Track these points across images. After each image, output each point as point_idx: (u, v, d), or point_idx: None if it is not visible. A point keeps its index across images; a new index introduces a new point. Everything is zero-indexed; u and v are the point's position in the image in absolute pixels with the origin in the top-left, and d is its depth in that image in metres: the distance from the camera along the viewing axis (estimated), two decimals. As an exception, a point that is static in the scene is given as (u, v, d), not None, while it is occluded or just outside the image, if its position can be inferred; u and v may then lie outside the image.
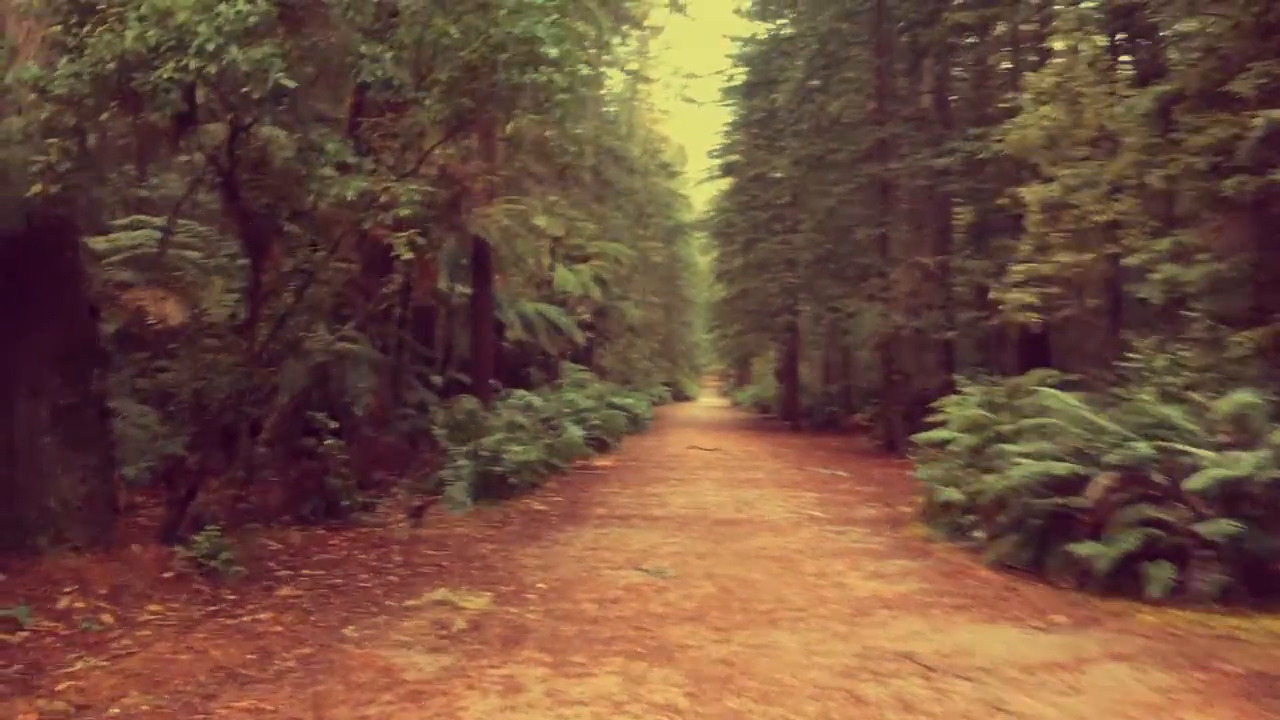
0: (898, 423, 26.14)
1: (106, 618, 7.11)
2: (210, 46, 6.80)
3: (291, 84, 7.33)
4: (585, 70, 9.49)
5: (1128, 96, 13.85)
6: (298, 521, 12.42)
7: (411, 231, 8.44)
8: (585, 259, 38.94)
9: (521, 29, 8.57)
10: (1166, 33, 15.51)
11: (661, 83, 55.17)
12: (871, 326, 25.13)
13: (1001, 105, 26.65)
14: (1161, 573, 8.69)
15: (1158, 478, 9.36)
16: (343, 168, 8.31)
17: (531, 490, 15.77)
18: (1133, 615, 8.20)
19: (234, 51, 6.86)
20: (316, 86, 8.91)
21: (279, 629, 7.13)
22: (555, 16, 8.84)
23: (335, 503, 12.88)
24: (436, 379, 23.55)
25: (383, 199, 8.24)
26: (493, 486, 14.81)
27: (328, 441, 12.82)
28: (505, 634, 7.15)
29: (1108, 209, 13.85)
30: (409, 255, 8.37)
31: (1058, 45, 15.09)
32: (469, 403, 17.77)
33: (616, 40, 39.70)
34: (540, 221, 31.49)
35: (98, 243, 12.17)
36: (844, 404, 39.52)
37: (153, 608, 7.48)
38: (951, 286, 24.00)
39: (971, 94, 28.35)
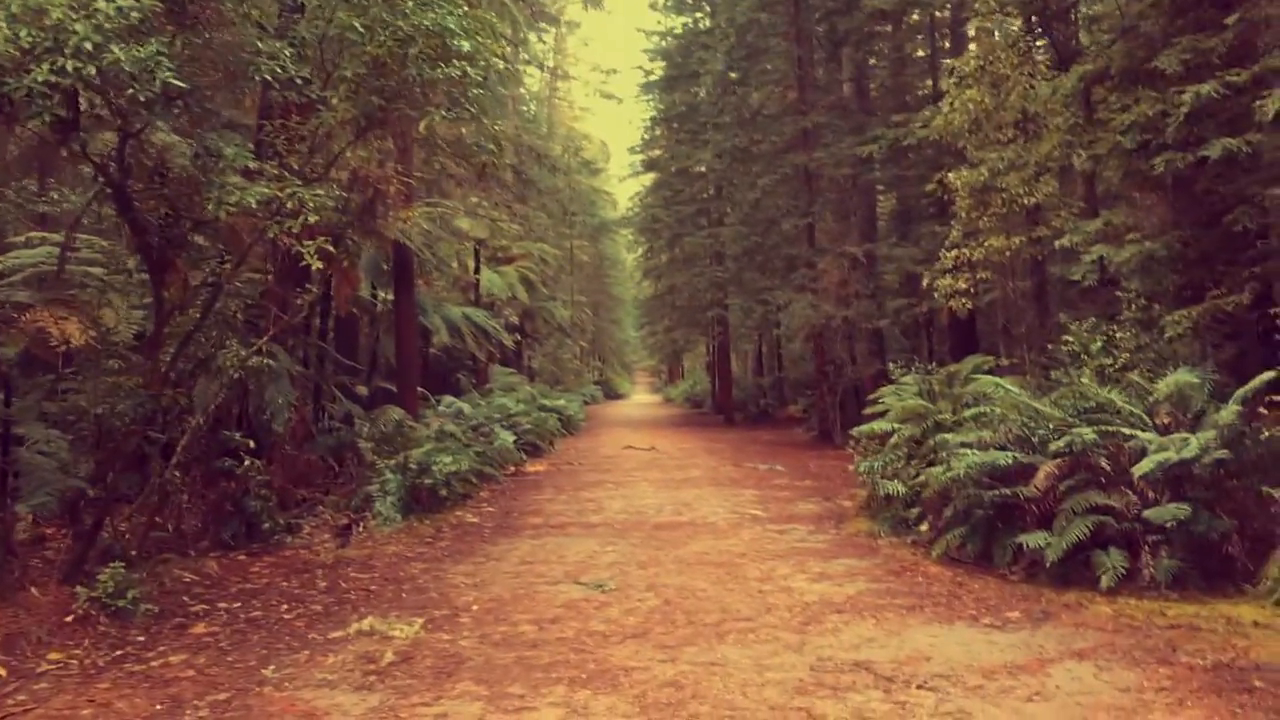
0: (832, 413, 26.08)
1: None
2: (88, 46, 6.24)
3: (182, 84, 6.80)
4: (500, 65, 9.03)
5: (1051, 78, 13.74)
6: (218, 547, 11.81)
7: (321, 239, 7.92)
8: (510, 260, 38.39)
9: (431, 21, 8.11)
10: (1086, 13, 15.48)
11: (580, 80, 54.72)
12: (802, 317, 25.00)
13: (921, 92, 26.93)
14: (1112, 561, 8.52)
15: (1103, 463, 9.19)
16: (245, 174, 7.79)
17: (463, 501, 15.26)
18: (1087, 606, 7.99)
19: (115, 51, 6.31)
20: (215, 88, 8.31)
21: (191, 673, 6.59)
22: (466, 9, 8.39)
23: (256, 525, 12.29)
24: (362, 390, 22.90)
25: (289, 205, 7.71)
26: (423, 500, 14.28)
27: (245, 461, 12.23)
28: (438, 665, 6.68)
29: (1035, 191, 13.74)
30: (319, 265, 7.84)
31: (975, 28, 14.88)
32: (395, 413, 17.18)
33: (533, 37, 39.25)
34: (463, 224, 30.95)
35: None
36: (777, 396, 39.51)
37: (53, 656, 6.89)
38: (880, 275, 23.92)
39: (890, 82, 28.43)
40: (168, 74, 6.59)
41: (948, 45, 25.95)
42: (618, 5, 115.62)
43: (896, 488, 11.54)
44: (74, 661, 6.82)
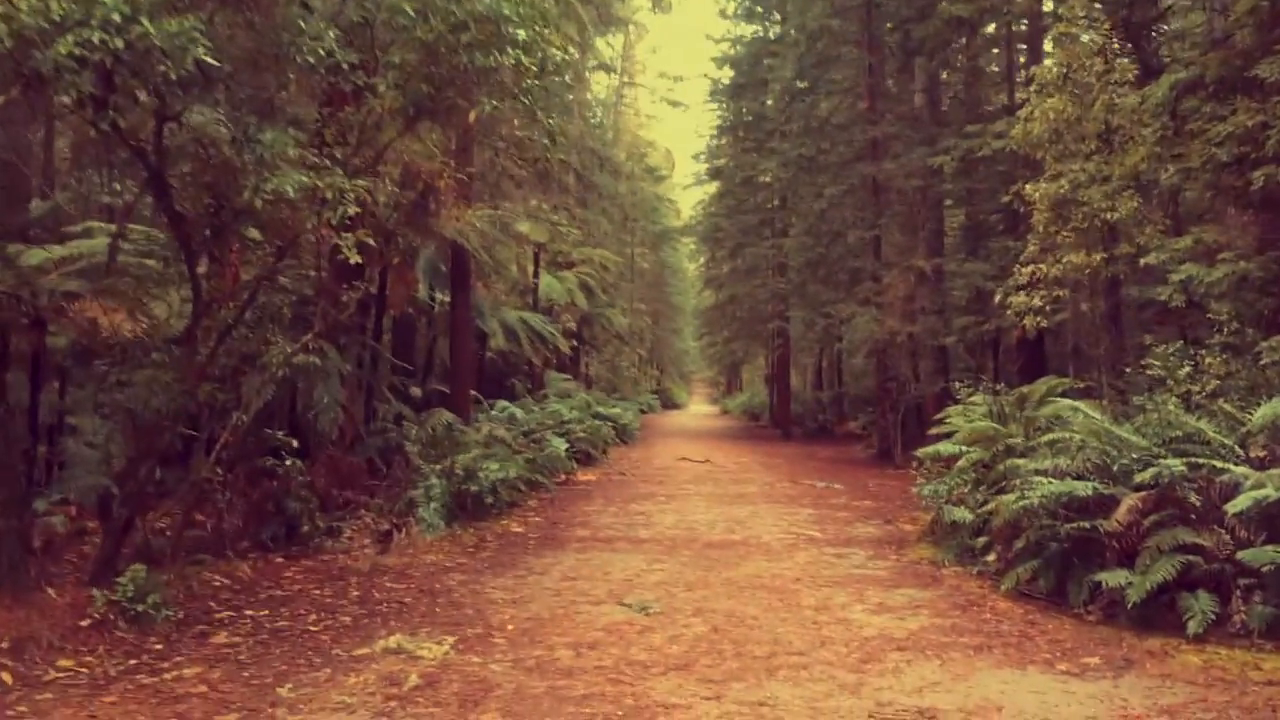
0: (893, 431, 25.33)
1: (4, 677, 6.17)
2: (117, 17, 5.88)
3: (217, 63, 6.42)
4: (558, 55, 8.58)
5: (1139, 86, 13.01)
6: (257, 549, 11.51)
7: (362, 232, 7.52)
8: (570, 266, 38.07)
9: (485, 6, 7.69)
10: (1171, 28, 14.70)
11: (647, 87, 54.39)
12: (865, 332, 24.31)
13: (994, 106, 26.14)
14: (1201, 605, 7.82)
15: (1192, 498, 8.49)
16: (289, 163, 7.41)
17: (510, 510, 14.84)
18: (1173, 655, 7.31)
19: (145, 24, 5.94)
20: (255, 69, 7.95)
21: (203, 689, 6.18)
22: (523, -4, 7.96)
23: (295, 528, 11.99)
24: (416, 391, 22.63)
25: (328, 195, 7.31)
26: (468, 507, 13.89)
27: (288, 461, 11.92)
28: (464, 692, 6.20)
29: (1117, 207, 12.99)
30: (358, 259, 7.44)
31: (1057, 35, 14.16)
32: (444, 416, 16.84)
33: (601, 42, 38.96)
34: (522, 227, 30.65)
35: (39, 254, 11.25)
36: (836, 412, 38.74)
37: (62, 663, 6.53)
38: (948, 291, 23.14)
39: (964, 94, 27.63)
40: (201, 51, 6.22)
41: (1024, 60, 25.12)
42: (686, 12, 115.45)
43: (963, 514, 10.90)
44: (84, 670, 6.46)
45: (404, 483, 14.77)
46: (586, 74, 35.12)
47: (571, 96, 35.98)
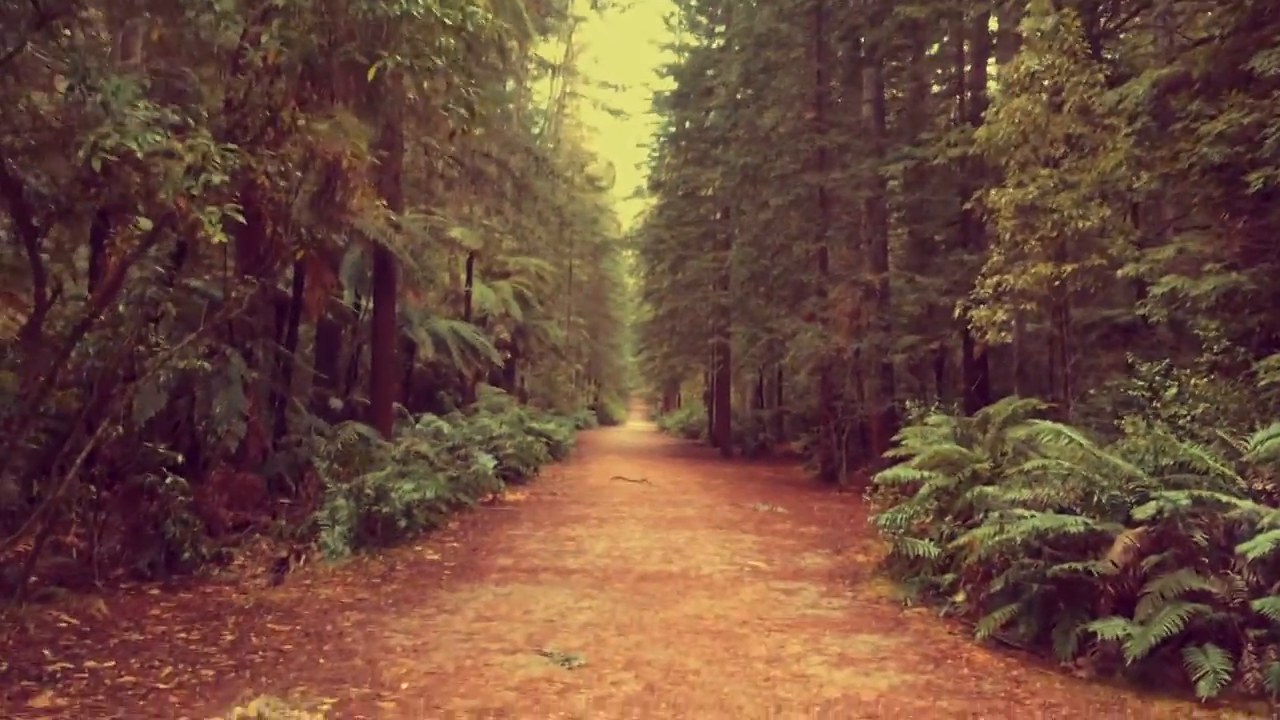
0: (837, 452, 24.32)
1: None
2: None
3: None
4: (479, 12, 7.32)
5: (1116, 84, 12.09)
6: (132, 577, 10.10)
7: (229, 205, 6.19)
8: (505, 275, 36.74)
9: (389, -56, 6.44)
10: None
11: (589, 98, 53.23)
12: (810, 348, 23.26)
13: (940, 121, 25.42)
14: (1213, 663, 6.75)
15: (1198, 538, 7.43)
16: (138, 119, 6.06)
17: (427, 534, 13.48)
18: (1186, 724, 6.22)
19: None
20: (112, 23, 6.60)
21: (-7, 777, 4.82)
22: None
23: (176, 555, 10.54)
24: (336, 403, 21.17)
25: (188, 160, 5.97)
26: (378, 531, 12.50)
27: (168, 479, 10.48)
28: (331, 782, 4.90)
29: (1089, 214, 12.04)
30: (221, 237, 6.10)
31: (1028, 31, 13.21)
32: (358, 429, 15.41)
33: (544, 49, 37.81)
34: (455, 233, 29.31)
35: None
36: (776, 431, 37.77)
37: None
38: (897, 306, 22.18)
39: (910, 108, 26.90)
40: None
41: (970, 76, 24.38)
42: (630, 22, 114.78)
43: (928, 548, 9.78)
44: None
45: (311, 504, 13.37)
46: (527, 63, 33.95)
47: (511, 83, 34.80)
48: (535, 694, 6.51)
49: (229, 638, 7.83)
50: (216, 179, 5.99)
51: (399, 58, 6.71)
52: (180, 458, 10.91)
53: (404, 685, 6.62)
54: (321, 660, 7.21)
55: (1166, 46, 14.71)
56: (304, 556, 11.53)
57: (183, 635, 7.85)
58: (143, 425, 11.91)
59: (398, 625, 8.42)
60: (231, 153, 6.26)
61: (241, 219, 6.42)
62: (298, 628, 8.22)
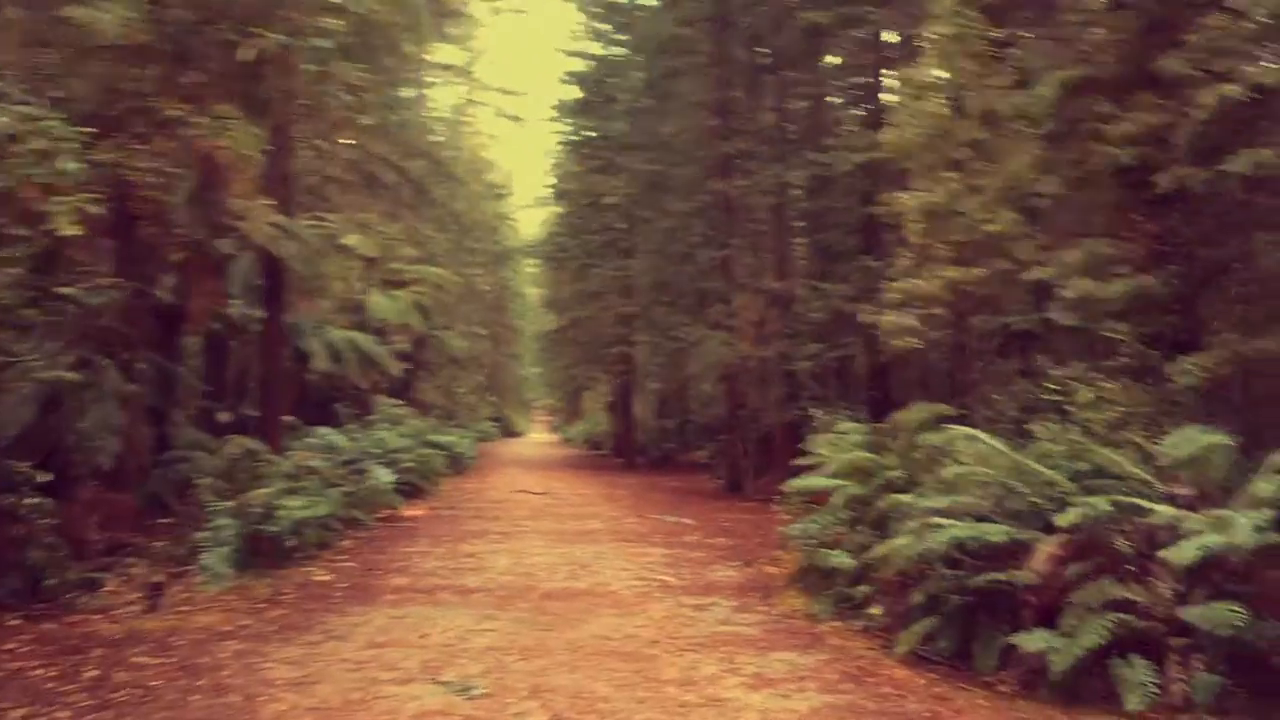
0: (743, 461, 24.10)
1: None
2: None
3: None
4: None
5: (1021, 88, 12.00)
6: (-9, 607, 9.26)
7: (83, 196, 5.56)
8: (404, 284, 35.80)
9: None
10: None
11: (490, 106, 52.37)
12: (715, 357, 23.01)
13: (841, 131, 25.48)
14: (1139, 675, 6.53)
15: (1121, 545, 7.23)
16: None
17: (318, 553, 12.76)
18: (1117, 742, 5.96)
19: None
20: None
21: None
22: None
23: (40, 581, 9.73)
24: (224, 417, 20.19)
25: (33, 145, 5.33)
26: (264, 551, 11.77)
27: (28, 500, 9.69)
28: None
29: (998, 218, 11.93)
30: (75, 230, 5.47)
31: (934, 34, 13.11)
32: (243, 443, 14.57)
33: (444, 53, 36.99)
34: (351, 240, 28.36)
35: None
36: (680, 440, 37.49)
37: None
38: (803, 315, 22.02)
39: (811, 117, 26.92)
40: None
41: (868, 80, 24.44)
42: (532, 30, 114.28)
43: (844, 560, 9.47)
44: None
45: (193, 524, 12.56)
46: (425, 69, 33.21)
47: (410, 90, 33.98)
48: (430, 730, 5.98)
49: (91, 673, 7.12)
50: (71, 165, 5.36)
51: (278, 36, 6.15)
52: (46, 476, 10.15)
53: (284, 725, 6.03)
54: (192, 699, 6.55)
55: (1068, 53, 14.78)
56: (183, 580, 10.77)
57: (39, 672, 7.12)
58: (9, 441, 11.11)
59: (281, 655, 7.78)
60: (89, 138, 5.63)
61: (98, 211, 5.78)
62: (170, 660, 7.53)
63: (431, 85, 45.63)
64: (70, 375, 10.50)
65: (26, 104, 5.62)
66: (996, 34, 12.58)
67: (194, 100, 8.53)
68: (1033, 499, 7.95)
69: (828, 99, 27.70)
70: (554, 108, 40.15)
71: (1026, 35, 13.45)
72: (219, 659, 7.61)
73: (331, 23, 6.51)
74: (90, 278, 14.12)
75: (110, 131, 7.29)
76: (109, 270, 13.12)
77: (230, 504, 12.08)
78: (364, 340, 27.14)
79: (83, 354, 12.35)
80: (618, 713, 6.35)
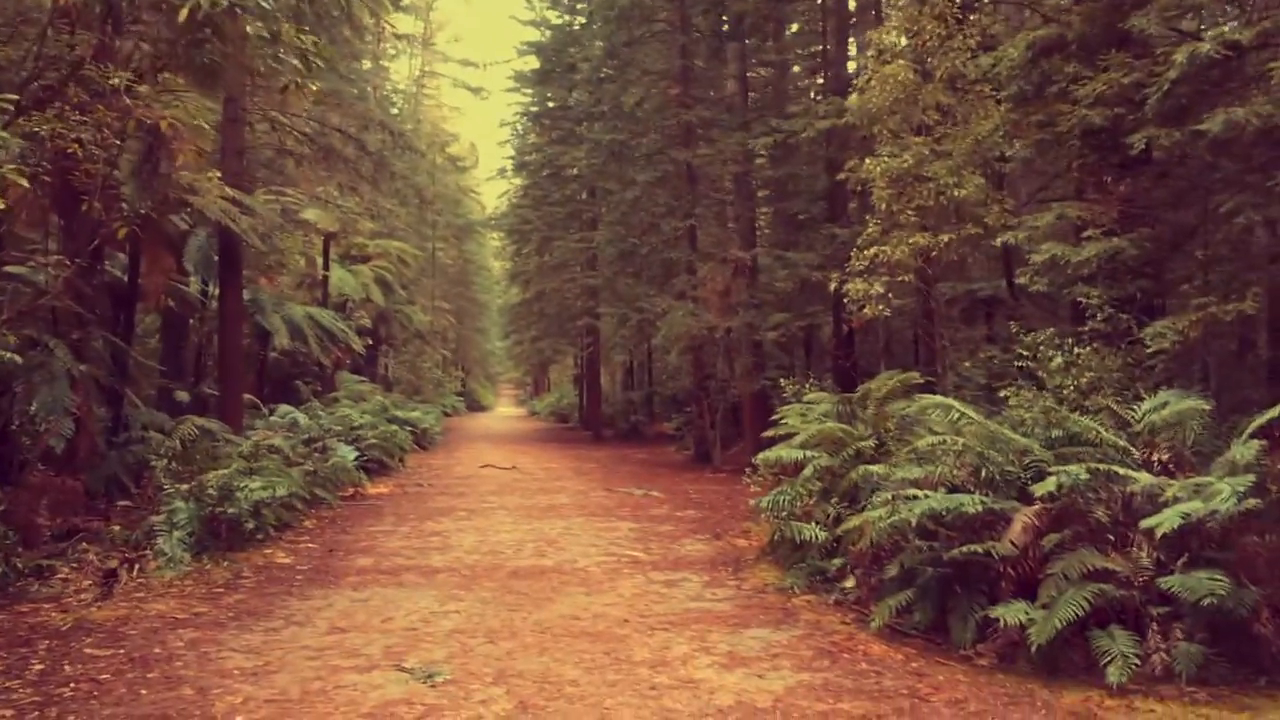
0: (710, 432, 23.96)
1: None
2: None
3: None
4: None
5: (987, 50, 11.81)
6: (-63, 597, 8.93)
7: (10, 168, 5.22)
8: (366, 259, 35.30)
9: None
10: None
11: (450, 78, 51.70)
12: (681, 327, 22.79)
13: (804, 99, 25.23)
14: (1120, 646, 6.40)
15: (1099, 514, 7.09)
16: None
17: (279, 535, 12.46)
18: (1099, 716, 5.82)
19: None
20: None
21: None
22: None
23: (-13, 570, 9.40)
24: (183, 396, 19.78)
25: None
26: (223, 534, 11.46)
27: (-26, 485, 9.34)
28: None
29: (965, 183, 11.74)
30: (-1, 203, 5.13)
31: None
32: (199, 423, 14.18)
33: (402, 20, 36.36)
34: (309, 214, 27.86)
35: None
36: (647, 412, 37.36)
37: None
38: (769, 284, 21.83)
39: (775, 83, 26.66)
40: None
41: (830, 47, 24.18)
42: (489, 7, 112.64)
43: (815, 532, 9.30)
44: None
45: (149, 507, 12.22)
46: (383, 41, 32.61)
47: (368, 63, 33.36)
48: (393, 718, 5.74)
49: (37, 667, 6.81)
50: (-7, 134, 5.02)
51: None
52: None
53: (238, 718, 5.76)
54: (143, 692, 6.27)
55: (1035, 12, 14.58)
56: (137, 566, 10.43)
57: (-19, 667, 6.81)
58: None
59: (238, 643, 7.51)
60: (10, 102, 5.28)
61: (24, 182, 5.44)
62: (121, 651, 7.24)
63: (392, 57, 45.05)
64: (15, 356, 10.08)
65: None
66: (962, -6, 12.37)
67: (135, 68, 8.15)
68: (1008, 468, 7.80)
69: (792, 66, 27.52)
70: (512, 78, 39.65)
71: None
72: (172, 649, 7.33)
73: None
74: (35, 255, 13.72)
75: (48, 101, 6.91)
76: (56, 248, 12.71)
77: (186, 486, 11.74)
78: (326, 316, 26.72)
79: (31, 334, 11.94)
80: (587, 697, 6.14)
